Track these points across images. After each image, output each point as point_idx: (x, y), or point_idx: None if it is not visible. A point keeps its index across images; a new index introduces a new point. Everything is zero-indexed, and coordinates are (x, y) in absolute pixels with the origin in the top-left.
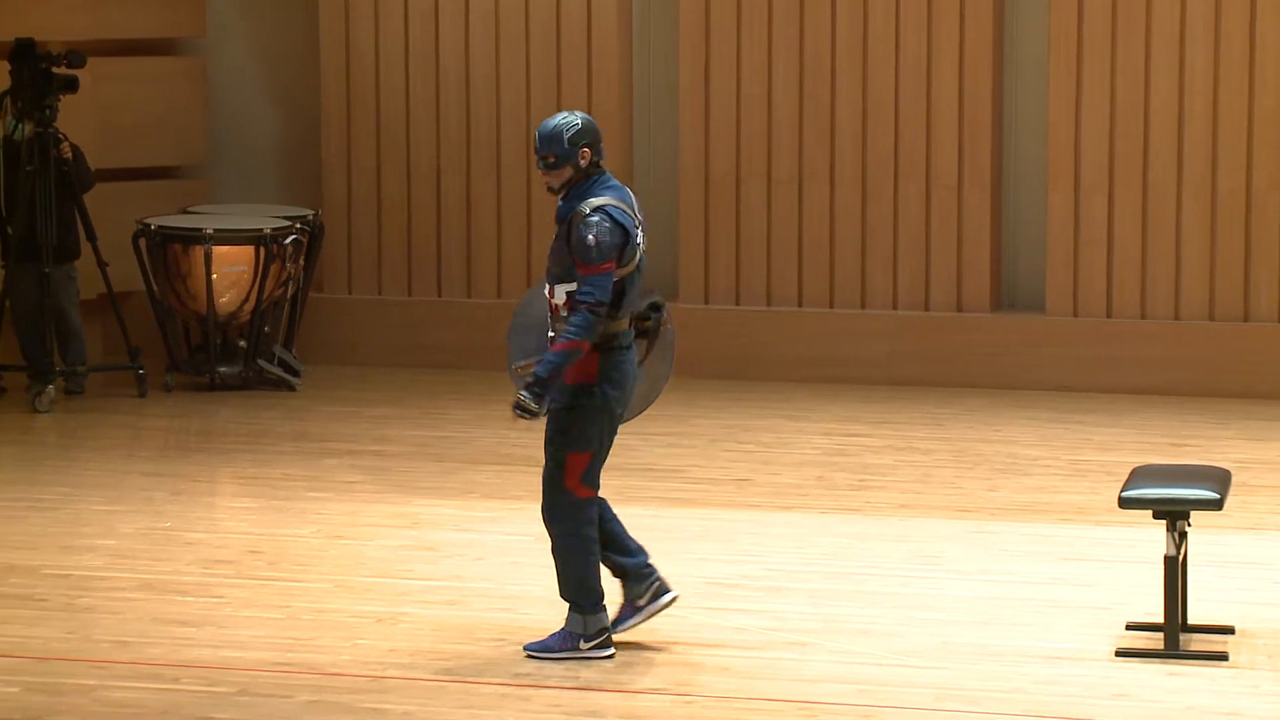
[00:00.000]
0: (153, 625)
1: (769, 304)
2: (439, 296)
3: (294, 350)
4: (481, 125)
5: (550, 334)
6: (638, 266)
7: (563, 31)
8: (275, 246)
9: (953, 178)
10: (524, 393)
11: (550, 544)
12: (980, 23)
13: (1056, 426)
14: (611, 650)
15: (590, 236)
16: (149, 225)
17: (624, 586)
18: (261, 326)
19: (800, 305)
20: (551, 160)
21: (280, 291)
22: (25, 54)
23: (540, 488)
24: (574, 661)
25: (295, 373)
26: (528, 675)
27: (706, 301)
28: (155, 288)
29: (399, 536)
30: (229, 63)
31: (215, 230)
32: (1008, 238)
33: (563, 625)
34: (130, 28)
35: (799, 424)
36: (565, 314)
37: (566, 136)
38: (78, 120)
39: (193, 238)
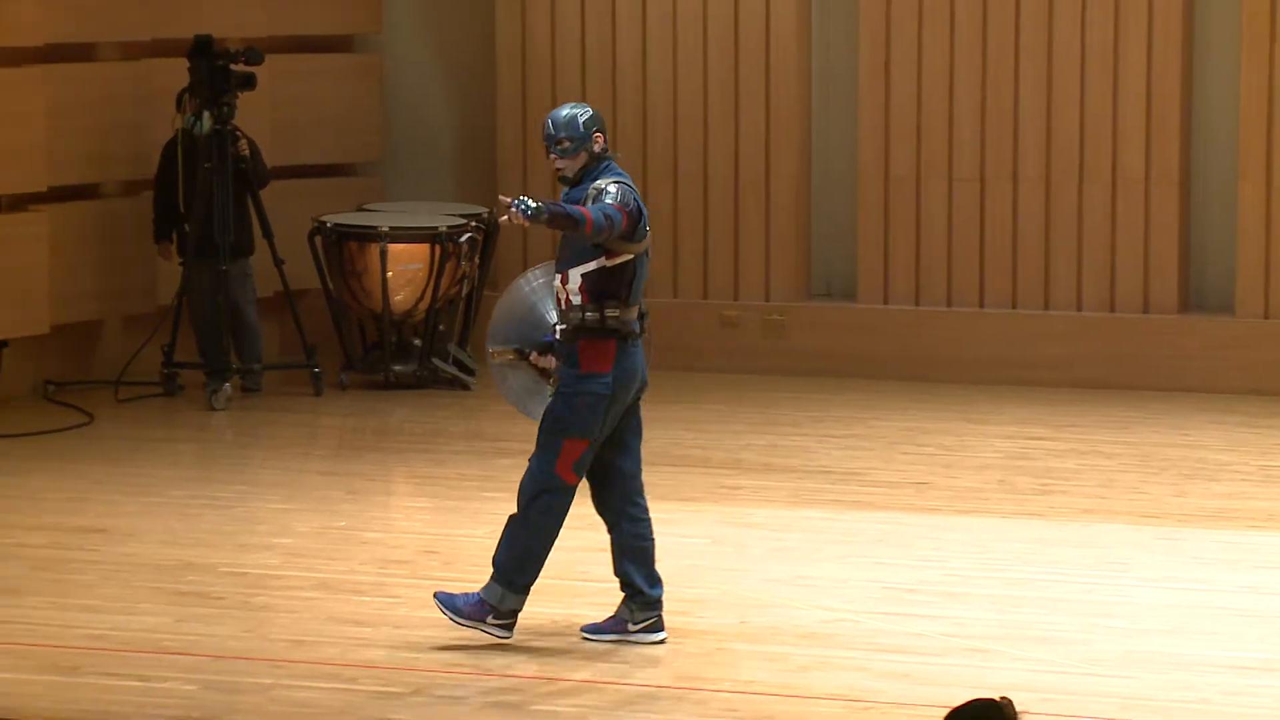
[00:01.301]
0: (328, 625)
1: (949, 304)
2: None
3: (469, 349)
4: (657, 127)
5: (560, 326)
6: (645, 252)
7: (741, 31)
8: (450, 245)
9: (1139, 174)
10: (534, 201)
11: (516, 514)
12: (1169, 12)
13: (1246, 431)
14: (510, 635)
15: (611, 188)
16: (324, 223)
17: (626, 604)
18: (436, 325)
19: (981, 306)
20: (567, 145)
21: (455, 290)
22: (204, 51)
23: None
24: (481, 634)
25: (470, 372)
26: (703, 679)
27: (885, 302)
28: (330, 285)
29: (573, 538)
30: (405, 60)
31: (390, 228)
32: (1196, 236)
33: (479, 590)
34: (307, 24)
35: (980, 427)
36: (577, 303)
37: (581, 121)
38: (254, 117)
39: (368, 235)
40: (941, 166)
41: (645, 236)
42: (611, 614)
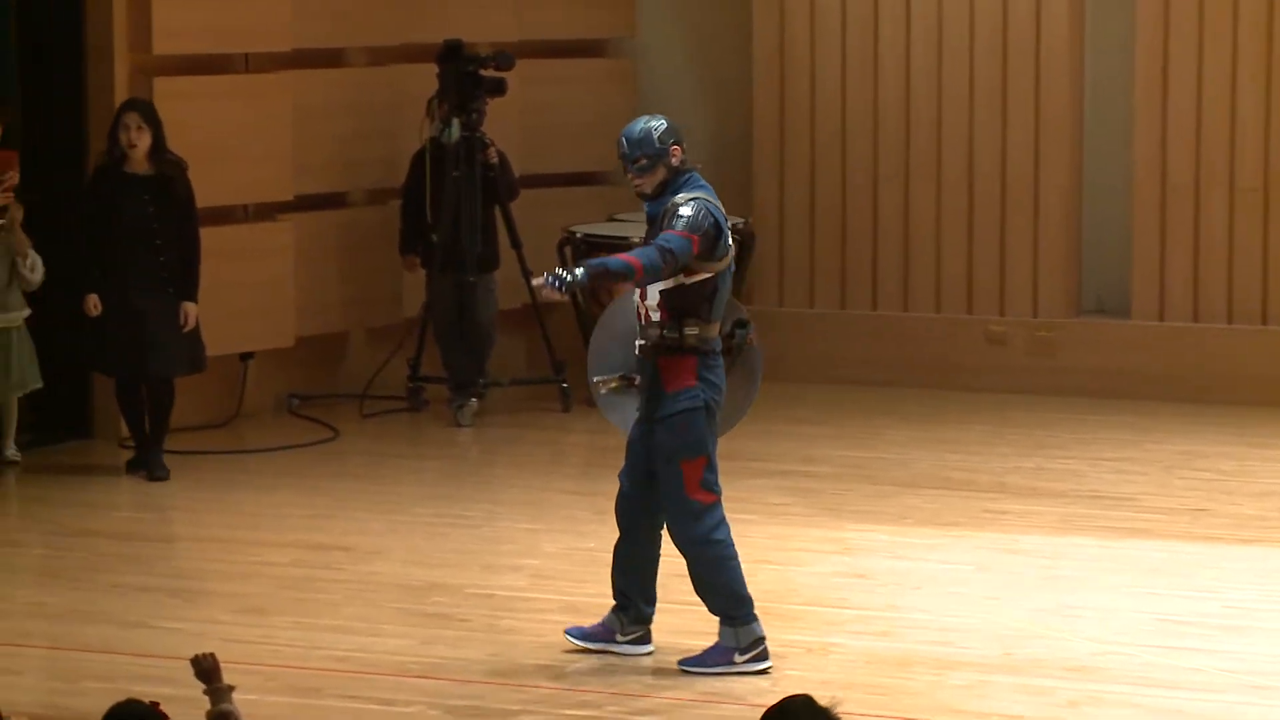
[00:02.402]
0: (576, 650)
1: (1230, 321)
2: (873, 310)
3: None
4: (921, 132)
5: (640, 341)
6: (729, 267)
7: (1010, 33)
8: None
9: None
10: (569, 269)
11: (687, 564)
12: None
13: None
14: (768, 663)
15: (686, 209)
16: (574, 233)
17: (616, 612)
18: None
19: (1264, 323)
20: (644, 163)
21: None
22: (453, 56)
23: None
24: (735, 676)
25: None
26: (965, 713)
27: (1161, 318)
28: (580, 298)
29: (830, 563)
30: (659, 65)
31: (642, 239)
32: None
33: (716, 639)
34: (559, 28)
35: (1262, 450)
36: (656, 319)
37: (656, 136)
38: (503, 124)
39: (619, 246)
40: (1222, 175)
41: (727, 253)
42: (600, 621)
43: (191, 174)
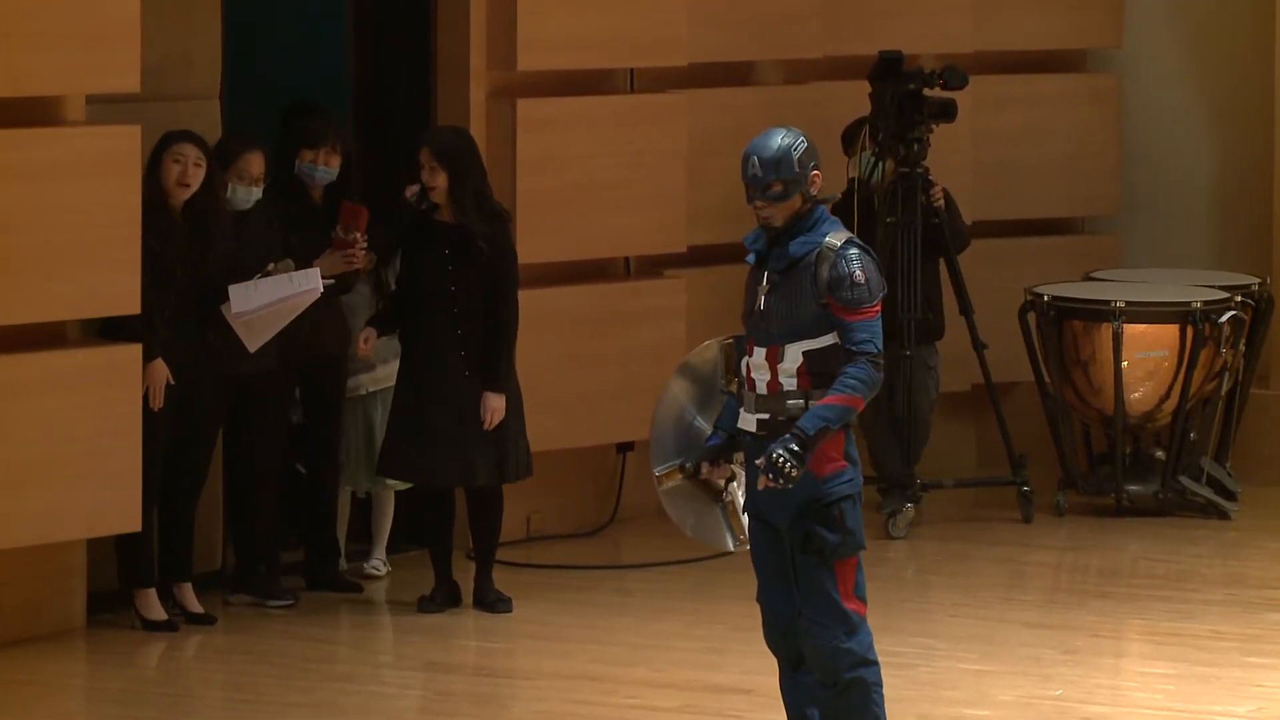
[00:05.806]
0: None
1: None
2: None
3: (1229, 465)
4: None
5: (758, 415)
6: None
7: None
8: (1207, 326)
9: None
10: (784, 450)
11: (830, 691)
12: None
13: None
14: None
15: (858, 272)
16: (1040, 296)
17: None
18: (1186, 432)
19: None
20: (779, 189)
21: (1212, 386)
22: (890, 72)
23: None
24: None
25: (1230, 495)
26: None
27: None
28: (1047, 378)
29: None
30: (1150, 81)
31: (1127, 303)
32: None
33: None
34: (1026, 37)
35: None
36: (792, 387)
37: (797, 157)
38: (951, 157)
39: (1098, 313)
40: None
41: None
42: None
43: (561, 217)
